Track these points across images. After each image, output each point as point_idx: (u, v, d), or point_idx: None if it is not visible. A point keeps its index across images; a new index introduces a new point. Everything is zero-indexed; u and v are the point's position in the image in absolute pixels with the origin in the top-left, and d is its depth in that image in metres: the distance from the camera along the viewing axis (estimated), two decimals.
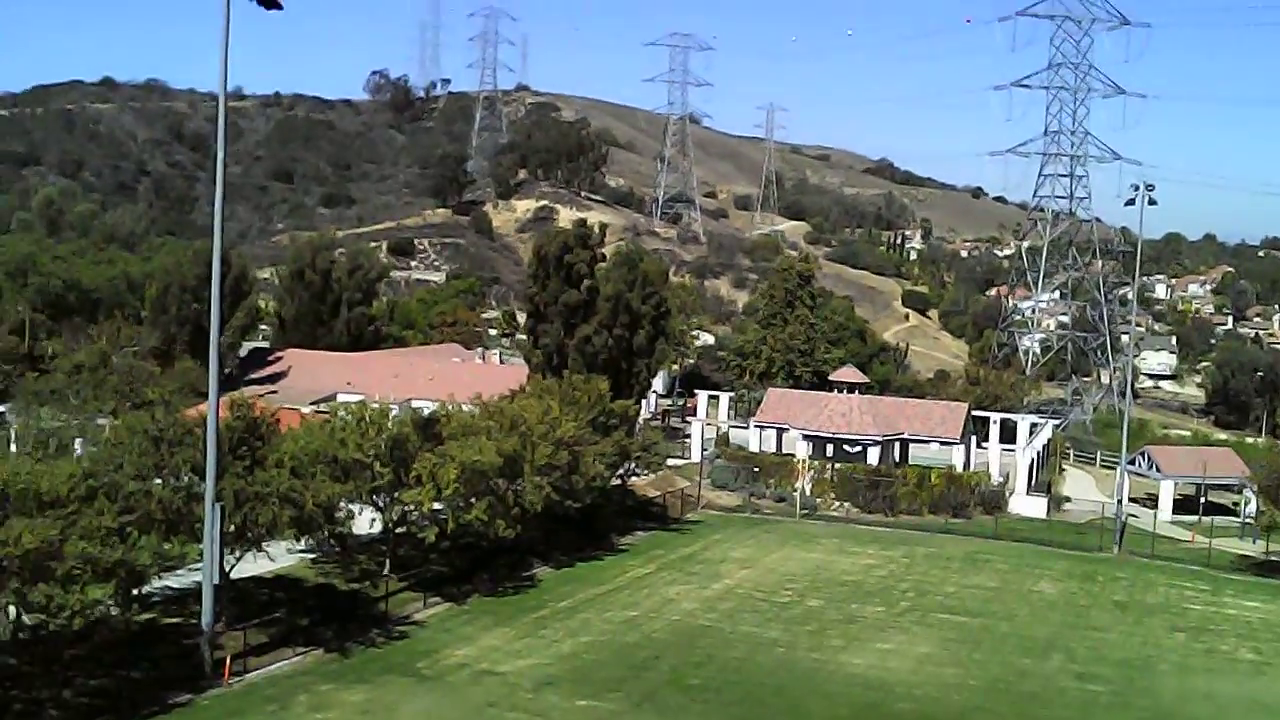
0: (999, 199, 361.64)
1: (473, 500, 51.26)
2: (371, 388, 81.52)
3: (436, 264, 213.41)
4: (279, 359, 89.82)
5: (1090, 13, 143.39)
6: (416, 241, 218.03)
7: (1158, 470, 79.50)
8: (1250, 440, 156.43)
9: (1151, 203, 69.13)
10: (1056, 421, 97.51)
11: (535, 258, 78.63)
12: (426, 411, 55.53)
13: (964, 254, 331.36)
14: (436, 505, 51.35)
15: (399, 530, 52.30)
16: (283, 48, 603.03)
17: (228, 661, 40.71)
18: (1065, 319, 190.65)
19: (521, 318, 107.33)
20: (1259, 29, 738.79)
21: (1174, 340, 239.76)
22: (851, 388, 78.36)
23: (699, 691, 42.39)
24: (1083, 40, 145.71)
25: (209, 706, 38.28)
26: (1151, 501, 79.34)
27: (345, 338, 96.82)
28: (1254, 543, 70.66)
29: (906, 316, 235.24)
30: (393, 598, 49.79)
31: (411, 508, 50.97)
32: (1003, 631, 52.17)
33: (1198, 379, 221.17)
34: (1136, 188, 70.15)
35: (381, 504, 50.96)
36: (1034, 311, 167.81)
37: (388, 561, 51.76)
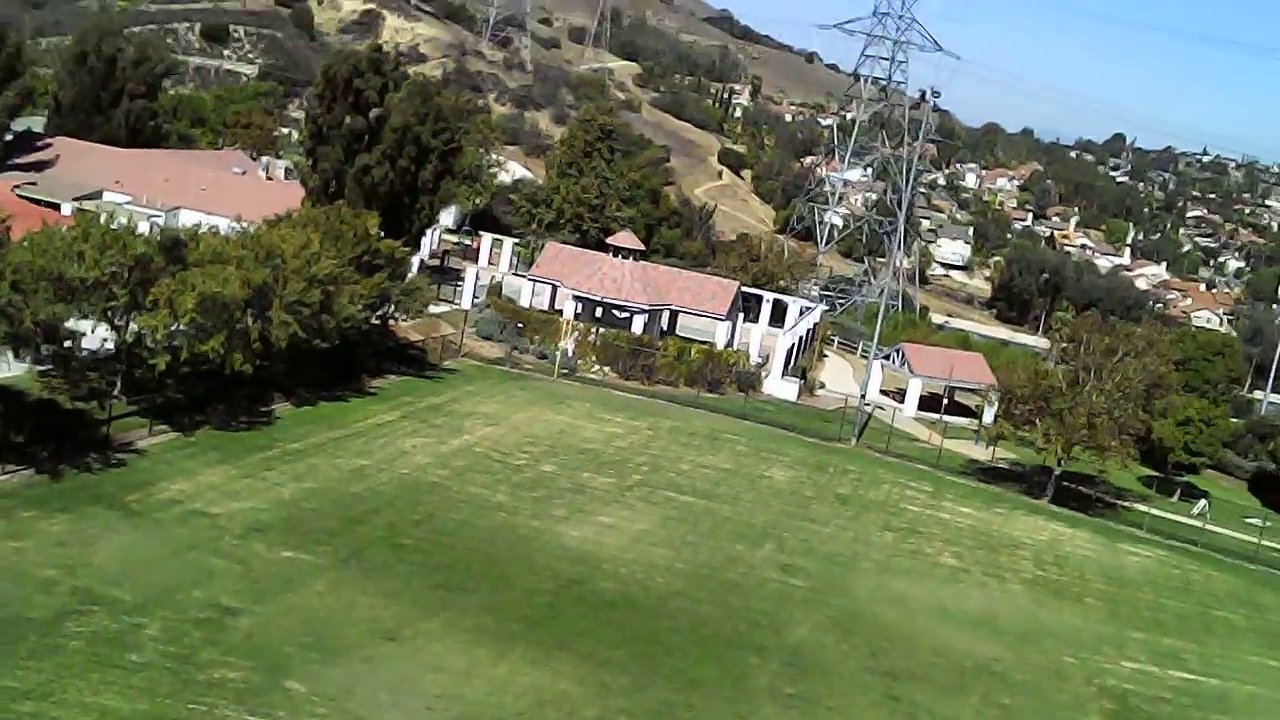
0: (831, 66, 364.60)
1: (212, 330, 50.33)
2: (140, 190, 79.08)
3: (250, 56, 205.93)
4: (48, 146, 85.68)
5: None
6: (232, 28, 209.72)
7: (909, 369, 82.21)
8: (1023, 339, 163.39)
9: (936, 109, 70.38)
10: (826, 308, 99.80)
11: (323, 78, 75.81)
12: (185, 226, 54.00)
13: (789, 118, 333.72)
14: (181, 326, 50.18)
15: (134, 352, 51.11)
16: None
17: None
18: (874, 197, 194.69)
19: None
20: None
21: (971, 231, 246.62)
22: (627, 253, 78.56)
23: (409, 551, 42.75)
24: None
25: None
26: (902, 396, 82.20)
27: (124, 130, 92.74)
28: (986, 448, 73.93)
29: (720, 175, 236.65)
30: (117, 422, 48.59)
31: (146, 332, 49.85)
32: (723, 515, 53.73)
33: (987, 272, 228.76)
34: (923, 93, 71.34)
35: (116, 324, 49.61)
36: (839, 186, 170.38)
37: (119, 382, 50.58)
